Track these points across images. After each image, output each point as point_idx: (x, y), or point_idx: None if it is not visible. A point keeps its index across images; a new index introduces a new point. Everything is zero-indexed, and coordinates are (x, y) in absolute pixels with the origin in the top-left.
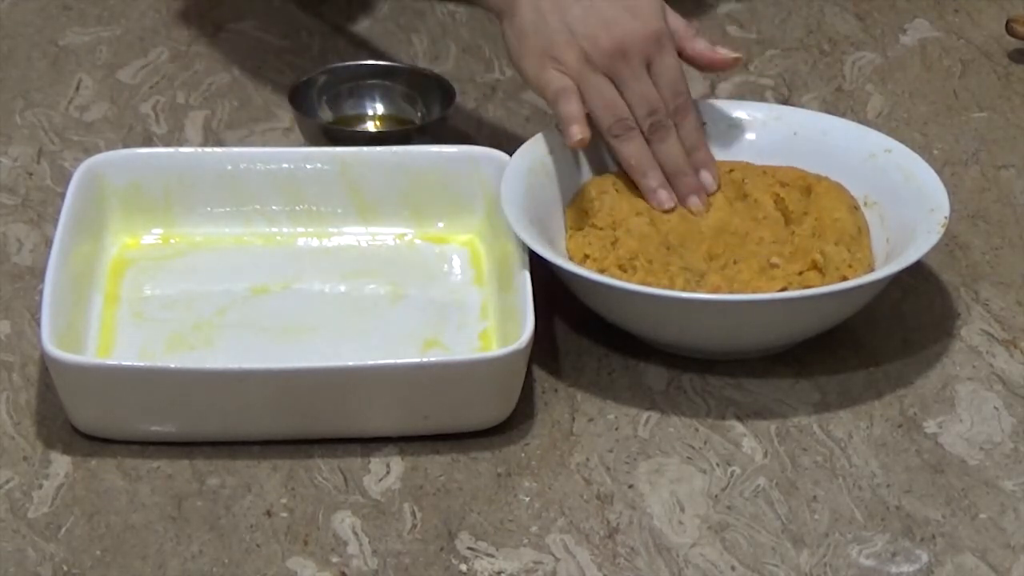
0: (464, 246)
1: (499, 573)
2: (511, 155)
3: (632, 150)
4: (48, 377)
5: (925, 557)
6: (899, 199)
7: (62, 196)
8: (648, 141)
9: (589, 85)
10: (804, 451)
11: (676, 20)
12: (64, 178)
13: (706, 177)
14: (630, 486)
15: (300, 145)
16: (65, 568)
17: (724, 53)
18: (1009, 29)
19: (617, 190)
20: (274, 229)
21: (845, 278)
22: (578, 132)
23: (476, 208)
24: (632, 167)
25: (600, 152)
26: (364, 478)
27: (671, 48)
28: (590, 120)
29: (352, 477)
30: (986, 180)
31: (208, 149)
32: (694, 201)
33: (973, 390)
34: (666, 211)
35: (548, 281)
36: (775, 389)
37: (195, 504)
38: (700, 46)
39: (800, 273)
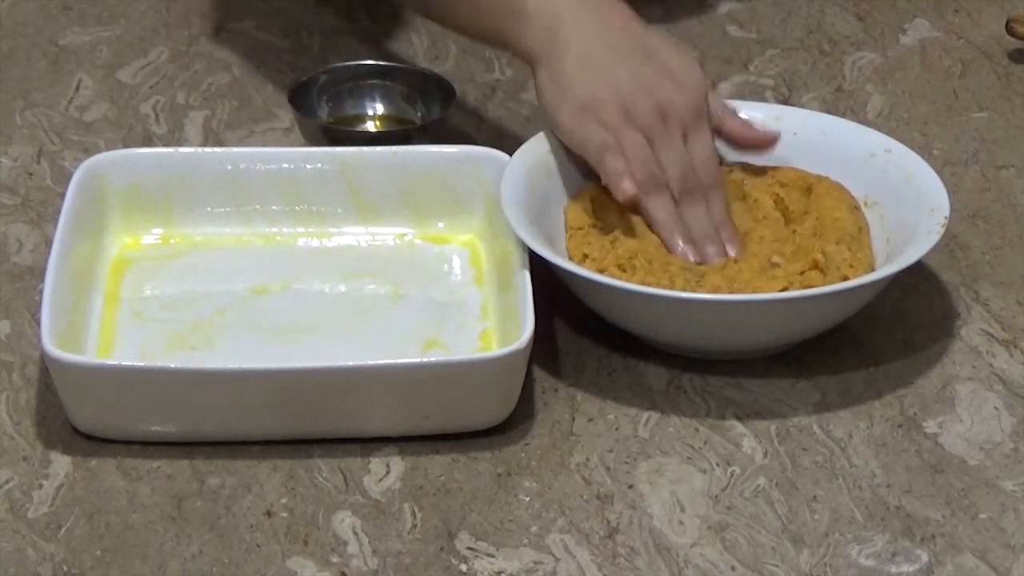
0: (464, 246)
1: (499, 573)
2: (511, 155)
3: (661, 206)
4: (48, 377)
5: (925, 557)
6: (899, 199)
7: (62, 196)
8: (677, 204)
9: (626, 140)
10: (804, 451)
11: (715, 100)
12: (64, 178)
13: (731, 251)
14: (630, 486)
15: (300, 145)
16: (65, 568)
17: (760, 132)
18: (1009, 29)
19: None
20: (274, 229)
21: (846, 278)
22: (630, 188)
23: (476, 208)
24: (659, 223)
25: None
26: (364, 478)
27: (707, 127)
28: None
29: (352, 477)
30: (986, 180)
31: (208, 149)
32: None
33: (973, 390)
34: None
35: (548, 281)
36: (775, 389)
37: (195, 504)
38: (736, 124)
39: (801, 273)
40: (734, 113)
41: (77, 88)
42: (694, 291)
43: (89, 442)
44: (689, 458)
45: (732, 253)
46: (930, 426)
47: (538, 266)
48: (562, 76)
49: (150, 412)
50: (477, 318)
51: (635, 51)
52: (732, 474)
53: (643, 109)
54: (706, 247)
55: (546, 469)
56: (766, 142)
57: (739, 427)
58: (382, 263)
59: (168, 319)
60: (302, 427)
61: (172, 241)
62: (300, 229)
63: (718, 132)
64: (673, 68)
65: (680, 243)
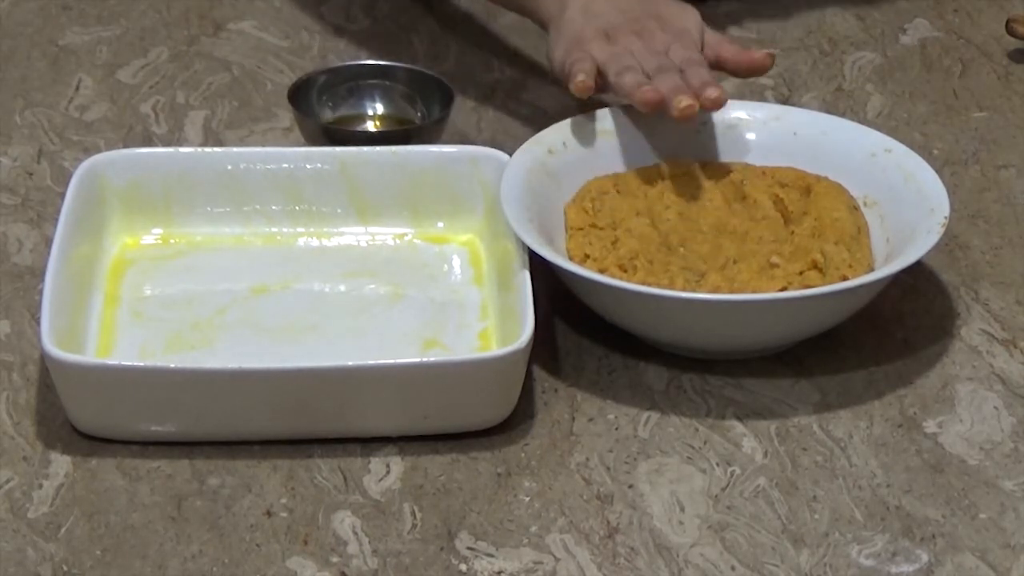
0: (464, 246)
1: (499, 573)
2: (511, 155)
3: (629, 78)
4: (48, 377)
5: (925, 557)
6: (899, 199)
7: (62, 196)
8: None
9: (605, 54)
10: (804, 451)
11: (712, 35)
12: (64, 178)
13: (711, 91)
14: (630, 486)
15: (300, 145)
16: (65, 568)
17: (754, 53)
18: (1009, 29)
19: (618, 190)
20: (274, 229)
21: (845, 278)
22: (582, 75)
23: (476, 208)
24: (625, 88)
25: (601, 152)
26: (364, 478)
27: (691, 44)
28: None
29: (352, 477)
30: (986, 180)
31: (208, 149)
32: (681, 100)
33: (973, 390)
34: (650, 105)
35: (548, 281)
36: (775, 389)
37: (195, 504)
38: (731, 50)
39: (800, 273)
40: (730, 41)
41: (77, 88)
42: (694, 291)
43: (89, 442)
44: (689, 458)
45: (711, 94)
46: (930, 426)
47: (538, 266)
48: (562, 24)
49: (150, 412)
50: (477, 318)
51: (634, 2)
52: (732, 474)
53: (622, 33)
54: (663, 79)
55: (546, 469)
56: (762, 62)
57: (739, 427)
58: (382, 263)
59: (168, 319)
60: (302, 427)
61: (172, 241)
62: (300, 229)
63: (717, 64)
64: (665, 15)
65: (628, 76)
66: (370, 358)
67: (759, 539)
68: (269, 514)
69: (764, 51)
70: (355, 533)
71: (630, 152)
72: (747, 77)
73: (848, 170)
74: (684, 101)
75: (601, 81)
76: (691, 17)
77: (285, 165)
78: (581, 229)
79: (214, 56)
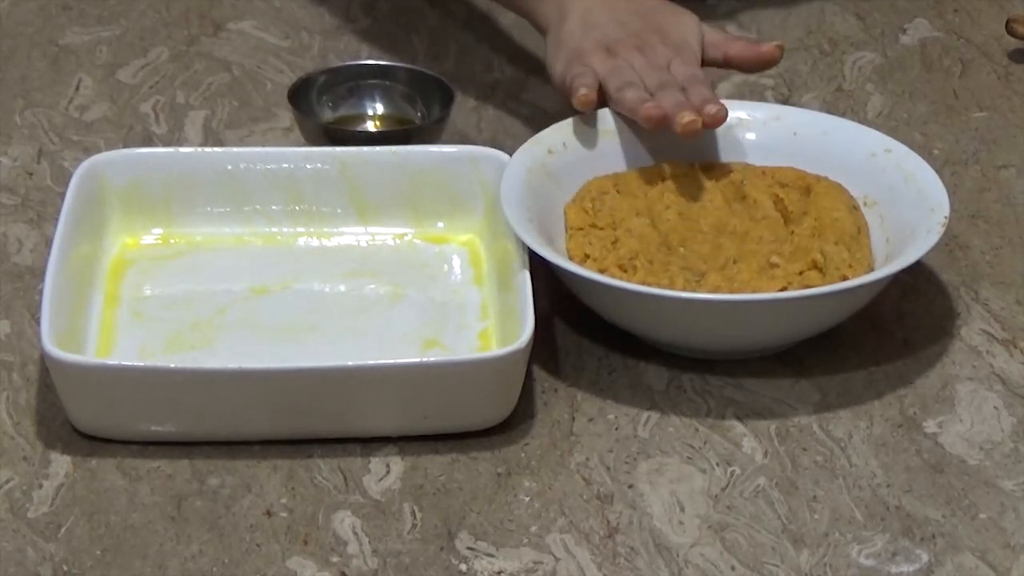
0: (464, 246)
1: (499, 573)
2: (511, 155)
3: (631, 94)
4: (48, 377)
5: (925, 557)
6: (899, 199)
7: (62, 196)
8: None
9: (607, 67)
10: (804, 451)
11: (713, 33)
12: (64, 178)
13: (710, 107)
14: (630, 486)
15: (300, 145)
16: (65, 568)
17: (763, 45)
18: (1009, 29)
19: (618, 190)
20: (274, 229)
21: (845, 278)
22: (584, 89)
23: (476, 208)
24: (627, 104)
25: (601, 152)
26: (364, 478)
27: (692, 59)
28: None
29: (352, 477)
30: (986, 180)
31: (208, 149)
32: (685, 115)
33: (973, 390)
34: (653, 121)
35: (548, 281)
36: (775, 389)
37: (195, 504)
38: (738, 46)
39: (800, 273)
40: (735, 38)
41: (77, 88)
42: (694, 291)
43: (89, 442)
44: (689, 458)
45: (710, 110)
46: (930, 426)
47: (538, 266)
48: (562, 35)
49: (150, 412)
50: (477, 318)
51: (632, 13)
52: (732, 474)
53: (623, 47)
54: (664, 96)
55: (546, 469)
56: (772, 55)
57: (739, 427)
58: (382, 263)
59: (168, 319)
60: (302, 427)
61: (172, 241)
62: (300, 229)
63: (726, 62)
64: (665, 27)
65: (630, 92)
66: (370, 358)
67: (759, 539)
68: (269, 514)
69: (772, 43)
70: (355, 533)
71: (630, 152)
72: (758, 71)
73: (848, 170)
74: (687, 117)
75: (602, 95)
76: (690, 25)
77: (285, 165)
78: (581, 229)
79: (214, 56)
